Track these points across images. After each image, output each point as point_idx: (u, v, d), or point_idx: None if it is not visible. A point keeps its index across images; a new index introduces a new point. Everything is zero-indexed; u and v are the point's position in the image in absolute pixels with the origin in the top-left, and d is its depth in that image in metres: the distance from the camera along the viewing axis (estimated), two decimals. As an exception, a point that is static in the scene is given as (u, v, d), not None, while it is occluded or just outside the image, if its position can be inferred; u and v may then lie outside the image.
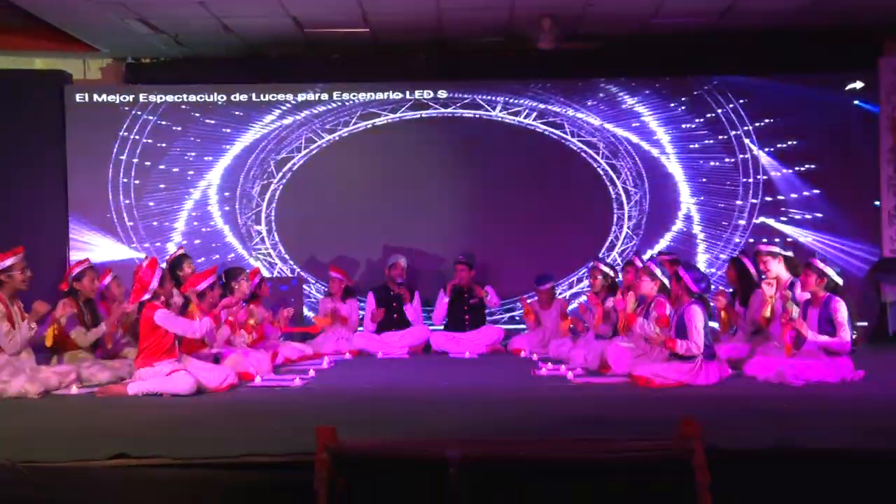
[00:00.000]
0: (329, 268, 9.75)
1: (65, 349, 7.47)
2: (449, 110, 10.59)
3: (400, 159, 10.61)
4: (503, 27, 9.66)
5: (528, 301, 9.55)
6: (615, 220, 10.58)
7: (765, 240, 8.81)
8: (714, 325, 7.48)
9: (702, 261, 10.36)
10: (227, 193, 10.65)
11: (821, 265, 6.84)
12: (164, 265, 7.76)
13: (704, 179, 10.52)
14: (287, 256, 10.66)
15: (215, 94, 10.56)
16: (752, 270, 7.89)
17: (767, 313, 7.45)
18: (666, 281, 7.45)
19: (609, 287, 8.63)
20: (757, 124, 10.42)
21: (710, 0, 8.88)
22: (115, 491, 4.36)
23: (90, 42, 10.01)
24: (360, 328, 9.73)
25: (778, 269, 7.53)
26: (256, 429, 5.23)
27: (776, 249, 7.57)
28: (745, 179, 10.46)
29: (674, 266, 8.39)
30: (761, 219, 10.41)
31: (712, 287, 7.65)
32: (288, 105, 10.60)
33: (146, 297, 6.73)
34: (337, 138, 10.66)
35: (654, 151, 10.55)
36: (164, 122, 10.53)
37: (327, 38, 10.04)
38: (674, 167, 10.54)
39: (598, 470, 4.06)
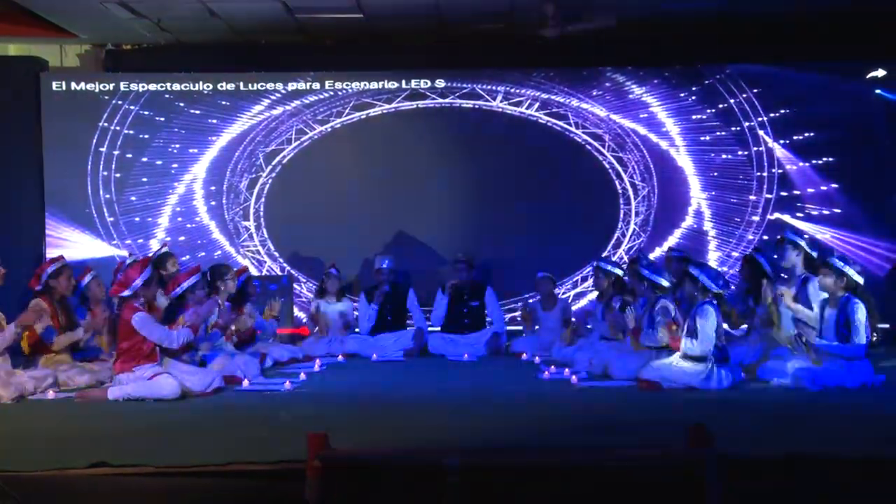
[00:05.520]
0: (330, 265, 9.70)
1: (40, 352, 7.46)
2: (447, 100, 10.60)
3: (396, 152, 10.61)
4: (504, 13, 9.66)
5: (529, 305, 9.59)
6: (622, 216, 10.60)
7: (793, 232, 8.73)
8: (725, 326, 7.50)
9: (713, 258, 10.37)
10: (213, 188, 10.66)
11: (839, 264, 6.85)
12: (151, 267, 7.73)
13: (716, 173, 10.53)
14: (276, 254, 10.66)
15: (201, 83, 10.55)
16: (768, 268, 7.91)
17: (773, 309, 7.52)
18: (664, 282, 7.52)
19: (615, 285, 8.64)
20: (772, 115, 10.43)
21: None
22: (95, 501, 4.37)
23: (67, 27, 10.00)
24: (357, 330, 9.73)
25: (795, 260, 7.55)
26: (244, 435, 5.24)
27: (802, 243, 7.58)
28: (759, 173, 10.48)
29: (681, 264, 8.45)
30: (776, 215, 10.43)
31: (731, 286, 7.67)
32: (278, 94, 10.60)
33: (125, 293, 6.72)
34: (329, 130, 10.67)
35: (663, 144, 10.56)
36: (146, 112, 10.52)
37: (319, 24, 10.03)
38: (684, 160, 10.55)
39: (603, 479, 4.08)
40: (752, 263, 8.14)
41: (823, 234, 10.30)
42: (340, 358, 9.17)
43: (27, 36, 10.14)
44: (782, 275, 7.86)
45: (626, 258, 10.14)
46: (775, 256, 7.87)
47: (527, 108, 10.58)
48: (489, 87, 10.57)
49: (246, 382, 7.30)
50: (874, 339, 7.07)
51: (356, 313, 9.79)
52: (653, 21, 9.93)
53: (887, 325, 9.60)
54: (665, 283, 7.60)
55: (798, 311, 7.16)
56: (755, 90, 10.41)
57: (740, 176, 10.50)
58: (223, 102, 10.57)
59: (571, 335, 8.86)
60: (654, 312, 7.53)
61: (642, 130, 10.56)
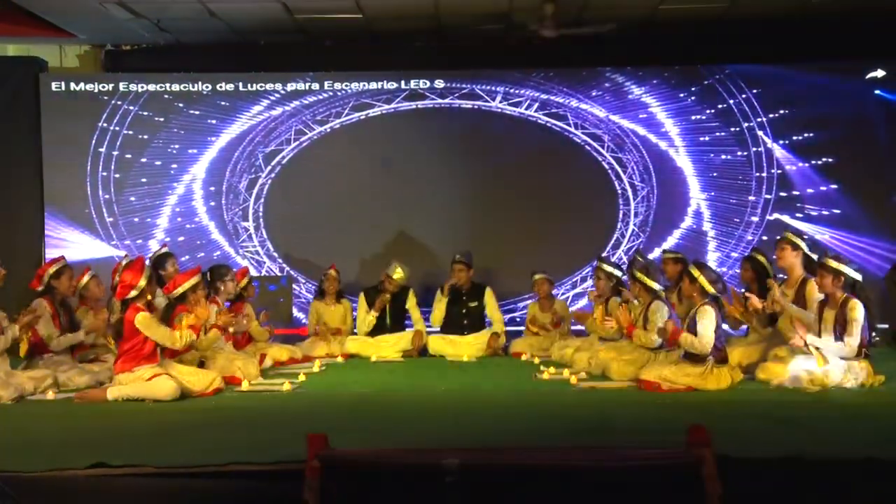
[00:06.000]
0: (329, 266, 9.66)
1: (39, 353, 7.45)
2: (446, 101, 10.60)
3: (395, 152, 10.61)
4: (503, 13, 9.66)
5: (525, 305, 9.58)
6: (621, 216, 10.60)
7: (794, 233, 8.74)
8: (725, 326, 7.51)
9: (712, 259, 10.37)
10: (212, 188, 10.65)
11: (835, 263, 6.84)
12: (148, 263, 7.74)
13: (715, 174, 10.53)
14: (276, 254, 10.66)
15: (200, 83, 10.55)
16: (770, 268, 7.92)
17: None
18: (656, 286, 7.52)
19: (614, 287, 8.64)
20: (771, 115, 10.43)
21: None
22: (95, 501, 4.37)
23: (66, 28, 9.99)
24: (354, 331, 9.72)
25: (793, 261, 7.55)
26: (244, 436, 5.24)
27: (802, 244, 7.57)
28: (758, 174, 10.48)
29: (677, 265, 8.45)
30: (775, 215, 10.43)
31: (727, 289, 7.66)
32: (277, 95, 10.60)
33: (132, 294, 6.72)
34: (328, 130, 10.67)
35: (662, 144, 10.56)
36: (145, 113, 10.52)
37: (319, 25, 10.03)
38: (683, 161, 10.55)
39: (602, 479, 4.07)
40: (753, 263, 8.14)
41: (823, 234, 10.31)
42: (340, 358, 9.17)
43: (26, 36, 10.14)
44: (781, 275, 7.87)
45: (625, 259, 10.14)
46: (774, 257, 7.88)
47: (526, 109, 10.58)
48: (488, 87, 10.58)
49: (245, 383, 7.30)
50: (874, 339, 7.07)
51: (355, 314, 9.78)
52: (653, 21, 9.93)
53: (887, 326, 9.61)
54: (657, 287, 7.61)
55: (791, 309, 7.16)
56: (755, 90, 10.41)
57: (740, 176, 10.51)
58: (222, 103, 10.57)
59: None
60: (648, 313, 7.56)
61: (641, 131, 10.56)
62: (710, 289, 6.93)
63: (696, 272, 7.01)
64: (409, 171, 10.59)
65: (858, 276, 6.87)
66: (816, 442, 4.84)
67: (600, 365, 7.68)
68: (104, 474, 4.41)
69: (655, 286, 7.57)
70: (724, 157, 10.51)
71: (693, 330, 6.89)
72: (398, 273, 9.37)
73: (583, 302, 10.36)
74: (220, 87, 10.55)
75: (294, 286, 10.47)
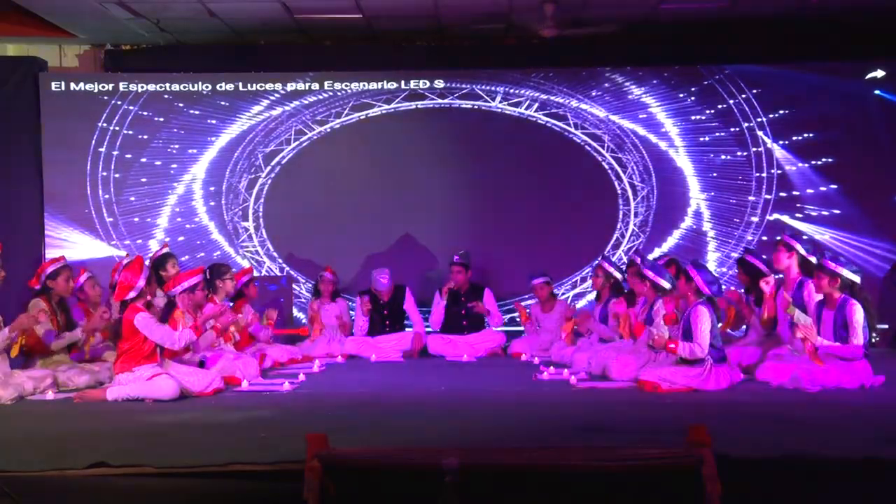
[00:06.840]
0: (325, 269, 9.67)
1: (37, 353, 7.44)
2: (446, 101, 10.60)
3: (394, 152, 10.62)
4: (503, 13, 9.66)
5: (525, 305, 9.55)
6: (621, 216, 10.60)
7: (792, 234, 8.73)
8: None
9: (712, 259, 10.38)
10: (212, 188, 10.66)
11: (833, 265, 6.82)
12: (147, 263, 7.73)
13: (715, 174, 10.54)
14: (276, 254, 10.67)
15: (200, 83, 10.55)
16: (762, 266, 7.91)
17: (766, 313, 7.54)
18: (665, 283, 7.51)
19: (612, 287, 8.65)
20: (771, 116, 10.44)
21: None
22: (95, 501, 4.37)
23: (66, 27, 10.00)
24: (352, 331, 9.72)
25: (788, 263, 7.54)
26: (244, 436, 5.24)
27: (797, 246, 7.56)
28: (758, 174, 10.48)
29: (669, 267, 8.46)
30: (775, 215, 10.44)
31: (723, 289, 7.65)
32: (277, 95, 10.60)
33: (131, 295, 6.72)
34: (328, 130, 10.67)
35: (662, 144, 10.57)
36: (145, 113, 10.52)
37: (318, 25, 10.04)
38: (683, 161, 10.56)
39: (602, 479, 4.08)
40: (745, 265, 8.13)
41: (822, 234, 10.31)
42: (339, 359, 9.18)
43: (26, 36, 10.14)
44: (781, 276, 7.86)
45: (625, 259, 10.13)
46: (771, 258, 7.86)
47: (526, 109, 10.59)
48: (488, 87, 10.58)
49: (245, 383, 7.30)
50: (873, 339, 7.06)
51: (352, 314, 9.79)
52: (653, 21, 9.93)
53: (886, 326, 9.61)
54: (666, 285, 7.60)
55: (798, 318, 7.15)
56: (754, 91, 10.41)
57: (739, 177, 10.51)
58: (222, 103, 10.57)
59: (571, 330, 8.87)
60: (652, 313, 7.54)
61: (641, 131, 10.56)
62: (706, 290, 6.92)
63: (693, 272, 7.00)
64: (409, 170, 10.59)
65: (857, 278, 6.86)
66: (816, 442, 4.84)
67: (600, 365, 7.67)
68: (104, 474, 4.41)
69: (665, 284, 7.54)
70: (723, 157, 10.52)
71: (688, 331, 6.88)
72: (383, 281, 9.44)
73: (583, 302, 10.37)
74: (220, 87, 10.55)
75: (294, 286, 10.47)
